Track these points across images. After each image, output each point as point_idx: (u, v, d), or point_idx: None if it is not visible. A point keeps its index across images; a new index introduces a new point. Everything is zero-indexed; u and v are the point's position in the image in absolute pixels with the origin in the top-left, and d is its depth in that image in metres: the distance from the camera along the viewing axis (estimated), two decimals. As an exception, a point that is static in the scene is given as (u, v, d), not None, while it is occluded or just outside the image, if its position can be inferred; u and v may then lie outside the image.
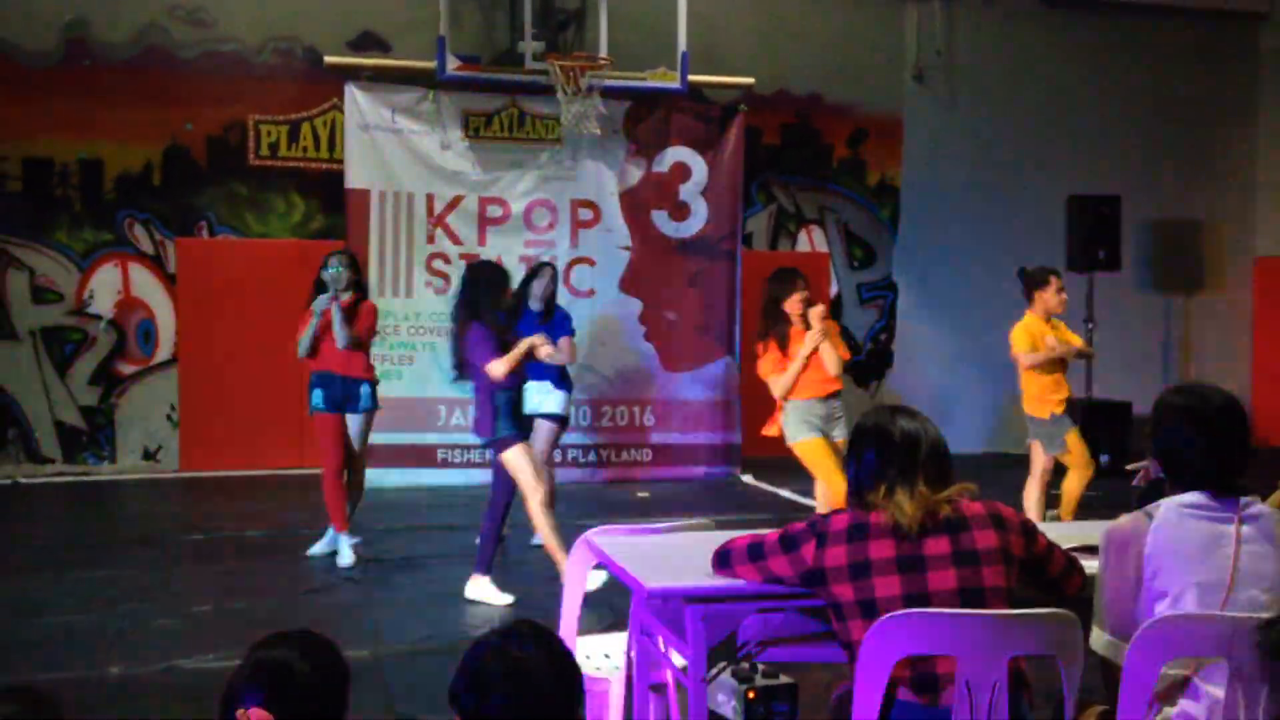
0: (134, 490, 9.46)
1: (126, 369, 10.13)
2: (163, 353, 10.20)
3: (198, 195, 10.19)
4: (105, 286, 10.06)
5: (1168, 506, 2.54)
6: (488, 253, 9.80)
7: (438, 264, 9.74)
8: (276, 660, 2.10)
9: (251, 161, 10.27)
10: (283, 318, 10.18)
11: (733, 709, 4.08)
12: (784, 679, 4.07)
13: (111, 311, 10.09)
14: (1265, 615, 2.42)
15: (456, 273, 9.72)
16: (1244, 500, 2.55)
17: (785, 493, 9.37)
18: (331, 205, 10.13)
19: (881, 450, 2.59)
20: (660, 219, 10.11)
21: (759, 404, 10.44)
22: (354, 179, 9.62)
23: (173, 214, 10.15)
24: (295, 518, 7.80)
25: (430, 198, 9.72)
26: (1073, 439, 6.95)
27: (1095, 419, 10.48)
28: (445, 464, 9.68)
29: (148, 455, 10.14)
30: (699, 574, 2.77)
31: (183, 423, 10.13)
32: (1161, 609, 2.47)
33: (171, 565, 6.67)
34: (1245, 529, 2.51)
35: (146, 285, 10.17)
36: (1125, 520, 2.60)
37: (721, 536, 3.05)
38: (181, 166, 10.15)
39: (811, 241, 11.64)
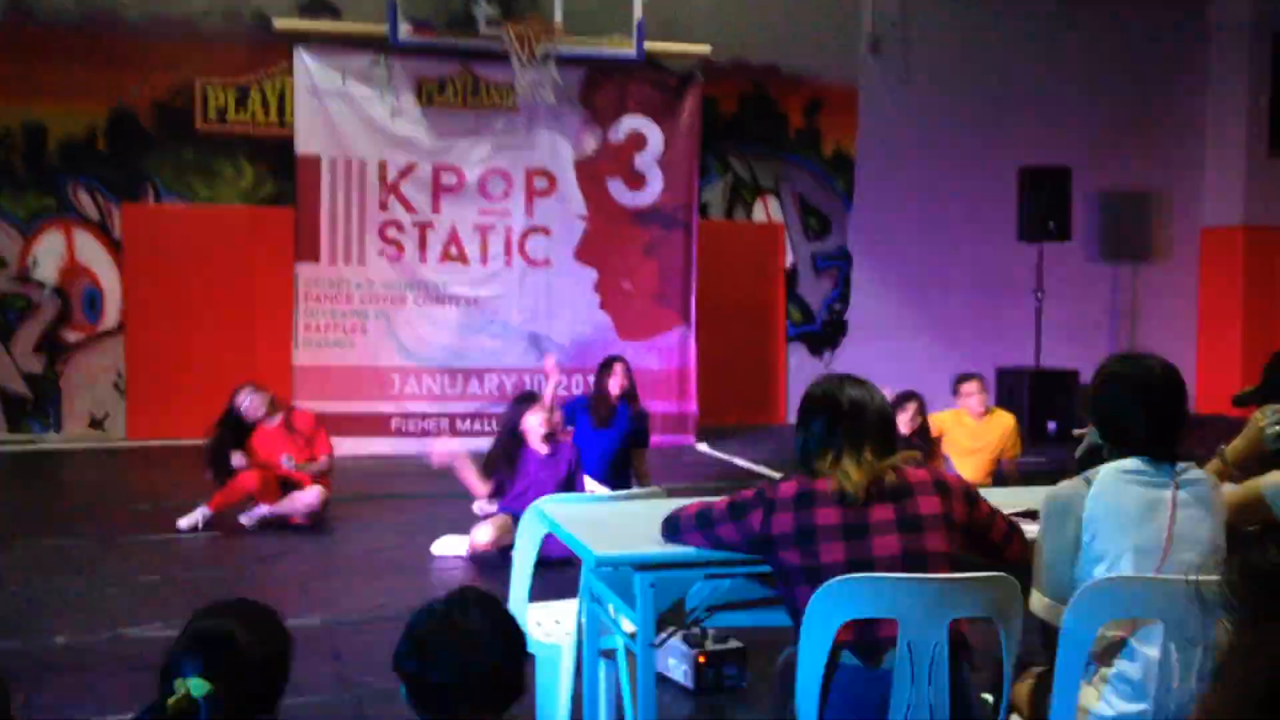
0: (80, 459, 9.34)
1: (72, 336, 9.98)
2: (109, 320, 10.05)
3: (144, 160, 10.01)
4: (49, 253, 9.88)
5: (1106, 472, 2.58)
6: (442, 220, 9.75)
7: (391, 232, 9.66)
8: (216, 629, 2.10)
9: (199, 126, 10.10)
10: (232, 285, 10.11)
11: (683, 673, 4.14)
12: (733, 643, 4.13)
13: (56, 278, 9.91)
14: (1200, 578, 2.47)
15: (410, 240, 9.68)
16: (1180, 466, 2.60)
17: (740, 461, 9.44)
18: (281, 171, 9.99)
19: (829, 418, 2.61)
20: (616, 188, 10.08)
21: (715, 372, 10.54)
22: (304, 145, 9.49)
23: (118, 179, 9.97)
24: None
25: (383, 164, 9.62)
26: None
27: (1042, 387, 10.64)
28: (399, 433, 9.64)
29: (94, 424, 10.01)
30: (648, 541, 2.78)
31: (130, 391, 10.00)
32: (1099, 572, 2.52)
33: (118, 535, 6.60)
34: (1181, 494, 2.56)
35: (92, 252, 10.00)
36: (1065, 486, 2.64)
37: (672, 504, 3.07)
38: (127, 131, 9.96)
39: (767, 211, 11.66)
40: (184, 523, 6.64)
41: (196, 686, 2.00)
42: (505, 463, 6.13)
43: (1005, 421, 7.20)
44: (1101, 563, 2.52)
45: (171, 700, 1.99)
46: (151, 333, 9.95)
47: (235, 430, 6.82)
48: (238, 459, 6.73)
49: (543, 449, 6.10)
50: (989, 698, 2.63)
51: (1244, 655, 0.63)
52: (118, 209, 9.98)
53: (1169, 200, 12.72)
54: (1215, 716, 0.64)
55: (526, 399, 6.40)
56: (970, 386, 7.15)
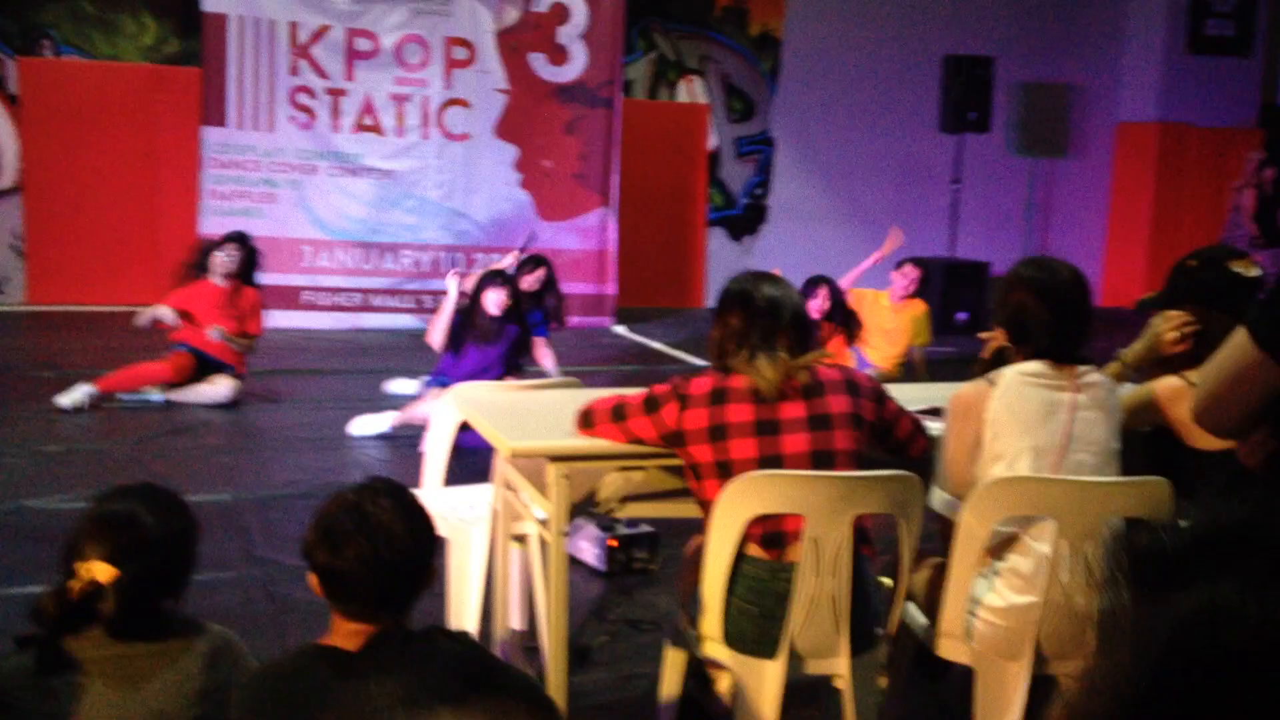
0: (-22, 324, 9.05)
1: (-35, 195, 9.57)
2: (4, 179, 9.64)
3: (39, 11, 9.50)
4: (-62, 107, 9.40)
5: (1009, 374, 2.65)
6: (355, 88, 9.43)
7: (301, 98, 9.33)
8: (120, 512, 2.07)
9: (99, -24, 9.60)
10: (135, 147, 9.73)
11: (594, 556, 4.21)
12: (644, 528, 4.21)
13: (-54, 133, 9.46)
14: (1092, 478, 2.57)
15: (323, 107, 9.37)
16: (1081, 369, 2.67)
17: (658, 345, 9.49)
18: (187, 28, 9.56)
19: (745, 315, 2.63)
20: (538, 62, 9.84)
21: (635, 255, 10.51)
22: (210, 1, 9.06)
23: (12, 30, 9.46)
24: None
25: (293, 26, 9.24)
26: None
27: (955, 278, 10.82)
28: (310, 306, 9.48)
29: (-8, 287, 9.68)
30: (562, 433, 2.79)
31: (30, 254, 9.67)
32: (998, 471, 2.60)
33: (18, 402, 6.43)
34: (1080, 397, 2.64)
35: (-14, 107, 9.53)
36: (969, 387, 2.71)
37: (586, 394, 3.08)
38: (21, -22, 9.42)
39: (691, 92, 11.51)
40: (64, 400, 6.20)
41: (100, 570, 1.98)
42: (458, 331, 6.06)
43: (917, 309, 7.34)
44: (1000, 461, 2.61)
45: (75, 585, 1.97)
46: (52, 194, 9.57)
47: (197, 272, 6.68)
48: (168, 315, 6.50)
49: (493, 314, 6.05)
50: (888, 581, 2.73)
51: (1121, 639, 0.64)
52: (13, 62, 9.48)
53: (1087, 93, 12.82)
54: (1088, 705, 0.66)
55: (494, 275, 6.31)
56: (911, 270, 7.25)
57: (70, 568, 2.00)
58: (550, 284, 6.84)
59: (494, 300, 6.03)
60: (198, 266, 6.72)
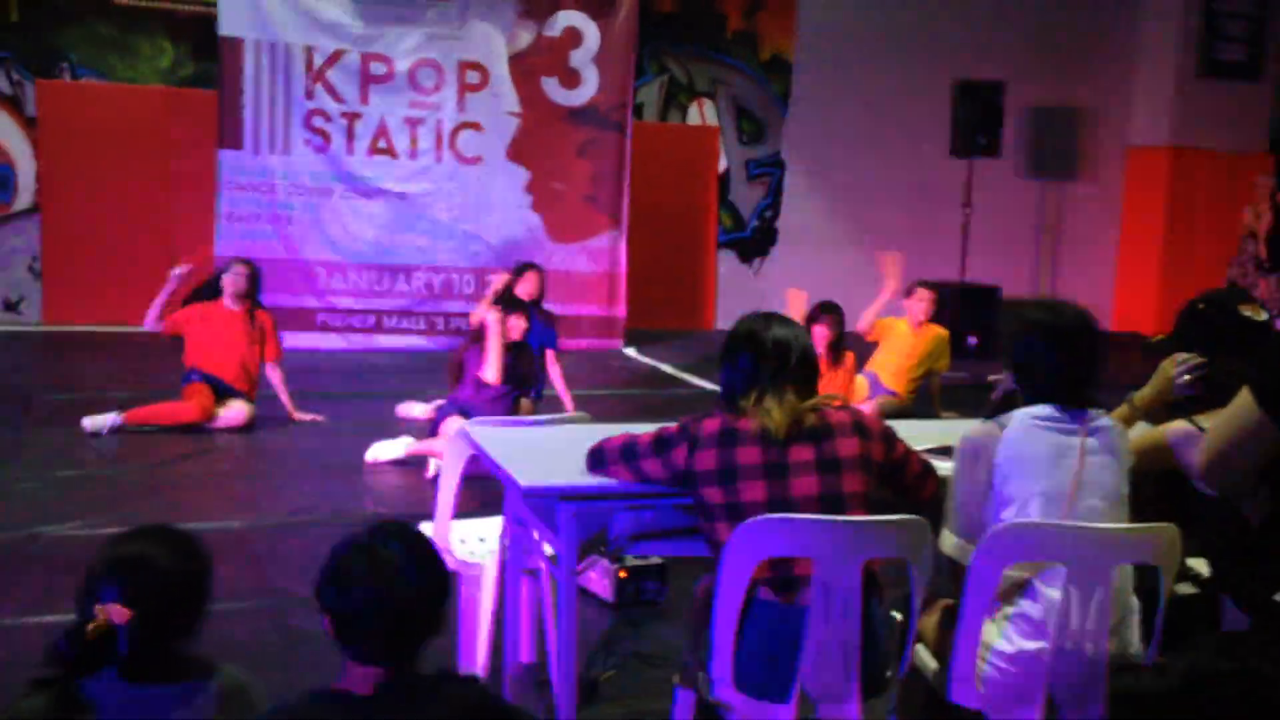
0: (-7, 344, 9.11)
1: (-17, 216, 9.66)
2: (23, 200, 9.73)
3: (58, 34, 9.60)
4: (-42, 129, 9.50)
5: (1019, 418, 2.66)
6: (370, 112, 9.50)
7: (317, 121, 9.40)
8: (134, 554, 2.09)
9: (117, 0, 9.68)
10: (152, 170, 9.80)
11: (604, 587, 4.22)
12: (654, 559, 4.22)
13: (-34, 155, 9.56)
14: (1103, 524, 2.58)
15: (337, 131, 9.44)
16: (1091, 413, 2.68)
17: (667, 367, 9.51)
18: (203, 52, 9.65)
19: (754, 357, 2.64)
20: (550, 86, 9.90)
21: (645, 277, 10.53)
22: (227, 25, 9.14)
23: (32, 53, 9.56)
24: (166, 378, 7.60)
25: (309, 50, 9.32)
26: None
27: (965, 302, 10.81)
28: (324, 328, 9.53)
29: (9, 307, 9.76)
30: (572, 470, 2.81)
31: (46, 274, 9.74)
32: (1008, 515, 2.61)
33: (34, 425, 6.47)
34: (1090, 441, 2.65)
35: (4, 128, 9.64)
36: (979, 429, 2.72)
37: (597, 430, 3.10)
38: (41, 2, 9.52)
39: (702, 114, 11.56)
40: (89, 424, 6.29)
41: (116, 613, 2.00)
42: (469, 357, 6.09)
43: (937, 333, 7.36)
44: (1010, 506, 2.61)
45: (91, 626, 1.99)
46: (69, 215, 9.66)
47: (209, 295, 6.76)
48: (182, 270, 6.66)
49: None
50: (897, 615, 2.73)
51: None
52: (31, 85, 9.58)
53: (1097, 118, 12.83)
54: None
55: (509, 301, 6.33)
56: (924, 293, 7.28)
57: (86, 609, 2.02)
58: (543, 290, 6.93)
59: (513, 326, 6.07)
60: (208, 291, 6.76)
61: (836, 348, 6.55)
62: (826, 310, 6.59)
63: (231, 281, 6.70)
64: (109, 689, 2.00)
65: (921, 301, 7.26)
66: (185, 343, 6.68)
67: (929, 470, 2.81)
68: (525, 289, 6.87)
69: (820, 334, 6.29)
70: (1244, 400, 1.77)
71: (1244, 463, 1.80)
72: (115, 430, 6.33)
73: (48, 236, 9.69)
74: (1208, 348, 2.76)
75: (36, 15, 9.51)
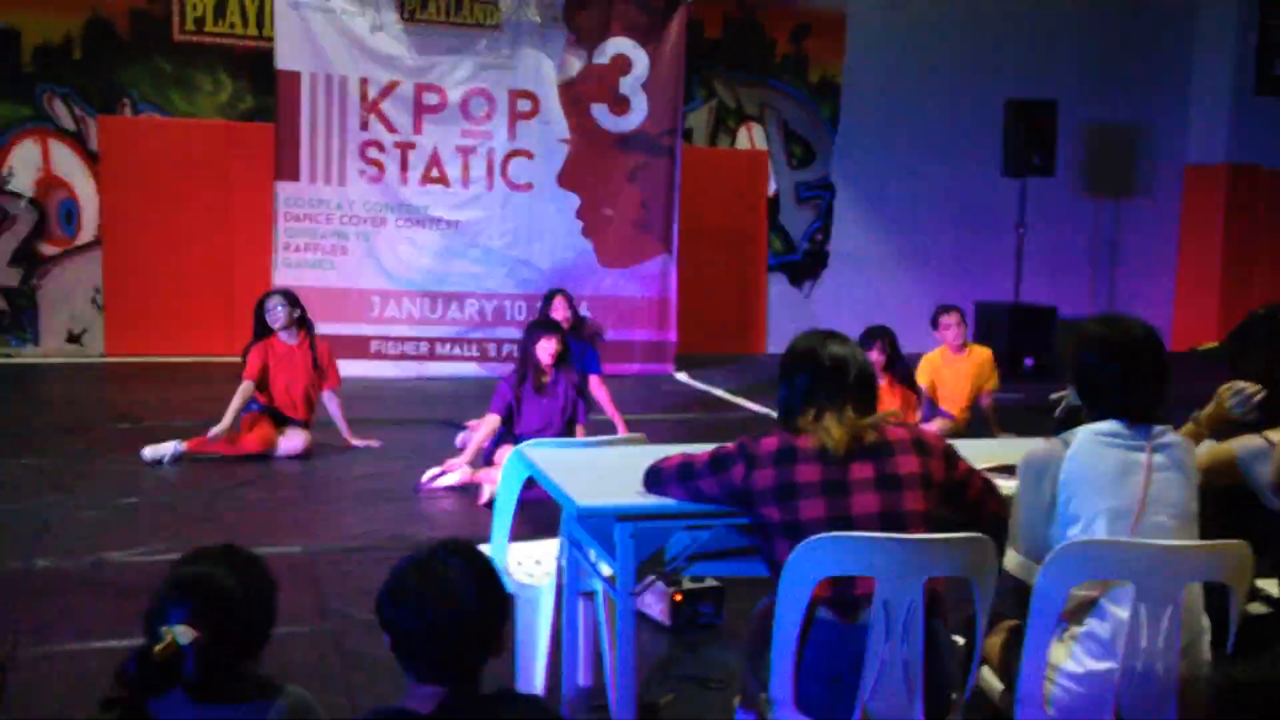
0: (58, 374, 9.30)
1: (48, 250, 9.88)
2: (86, 233, 9.95)
3: (120, 71, 9.83)
4: (25, 163, 9.74)
5: (1084, 434, 2.62)
6: (423, 141, 9.62)
7: (372, 152, 9.54)
8: (200, 575, 2.11)
9: (176, 37, 9.92)
10: (210, 202, 9.99)
11: (659, 610, 4.20)
12: (710, 582, 4.20)
13: (32, 190, 9.78)
14: (1171, 541, 2.53)
15: (391, 161, 9.57)
16: (1157, 429, 2.63)
17: (718, 391, 9.49)
18: (261, 86, 9.83)
19: (811, 375, 2.63)
20: (600, 112, 9.96)
21: (695, 301, 10.53)
22: (284, 60, 9.31)
23: (94, 89, 9.80)
24: (224, 406, 7.72)
25: (364, 82, 9.47)
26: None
27: (1020, 323, 10.70)
28: (379, 355, 9.63)
29: (72, 339, 9.96)
30: (629, 491, 2.80)
31: (108, 306, 9.94)
32: (1073, 534, 2.56)
33: (97, 455, 6.58)
34: (1156, 457, 2.60)
35: (68, 163, 9.86)
36: (1042, 447, 2.67)
37: (652, 451, 3.09)
38: (103, 40, 9.77)
39: (751, 139, 11.57)
40: (150, 453, 6.37)
41: (183, 634, 2.02)
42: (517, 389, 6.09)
43: (982, 355, 7.27)
44: (1076, 524, 2.57)
45: (158, 648, 2.01)
46: (130, 248, 9.86)
47: (263, 332, 6.83)
48: (252, 394, 6.67)
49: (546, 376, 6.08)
50: (959, 639, 2.69)
51: None
52: (93, 120, 9.81)
53: (1153, 135, 12.69)
54: None
55: (542, 324, 6.32)
56: (949, 319, 7.20)
57: (153, 630, 2.04)
58: (577, 313, 6.93)
59: (545, 349, 6.04)
60: (261, 329, 6.83)
61: (892, 369, 6.51)
62: (876, 335, 6.55)
63: (274, 318, 6.78)
64: (177, 709, 2.02)
65: (949, 327, 7.18)
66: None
67: (991, 489, 2.77)
68: (556, 316, 6.91)
69: (874, 360, 6.25)
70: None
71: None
72: (176, 459, 6.43)
73: (109, 269, 9.90)
74: (1272, 349, 2.72)
75: (99, 52, 9.76)
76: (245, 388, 6.69)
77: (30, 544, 4.93)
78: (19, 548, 4.88)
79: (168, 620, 2.04)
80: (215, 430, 6.53)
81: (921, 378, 7.14)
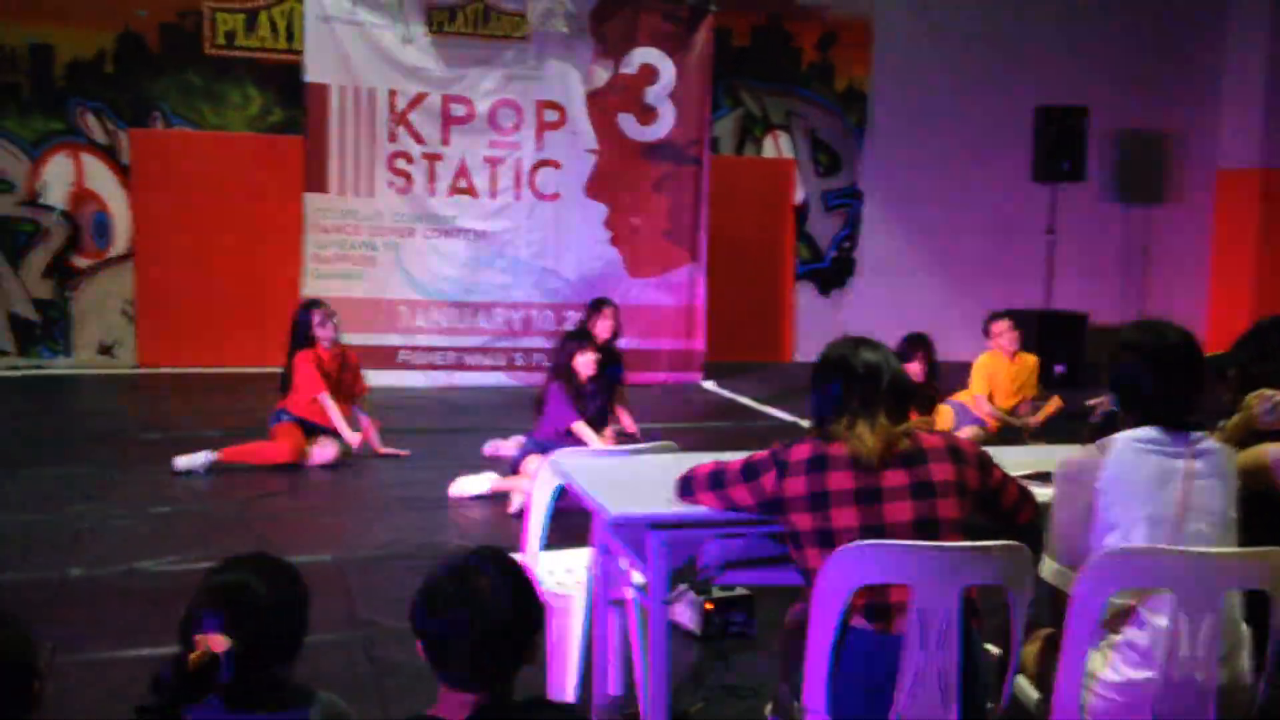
0: (90, 385, 9.38)
1: (81, 262, 9.98)
2: (118, 246, 10.04)
3: (151, 85, 9.93)
4: (57, 177, 9.85)
5: (1122, 441, 2.59)
6: (451, 152, 9.66)
7: (400, 163, 9.59)
8: (233, 583, 2.11)
9: (207, 51, 10.01)
10: (241, 214, 10.07)
11: (690, 619, 4.19)
12: (740, 590, 4.17)
13: (65, 203, 9.88)
14: (1210, 548, 2.49)
15: (419, 172, 9.61)
16: (1195, 435, 2.60)
17: (745, 399, 9.46)
18: (290, 99, 9.90)
19: (844, 382, 2.61)
20: (627, 122, 9.98)
21: (723, 310, 10.52)
22: (313, 73, 9.38)
23: (126, 103, 9.90)
24: (255, 417, 7.76)
25: (392, 94, 9.52)
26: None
27: (1051, 330, 10.61)
28: (406, 365, 9.66)
29: (104, 350, 10.05)
30: (661, 499, 2.79)
31: (140, 318, 10.03)
32: (1111, 541, 2.53)
33: (130, 464, 6.63)
34: (1195, 464, 2.57)
35: (100, 176, 9.96)
36: (1079, 453, 2.65)
37: (684, 459, 3.08)
38: (134, 54, 9.87)
39: (778, 147, 11.55)
40: (181, 463, 6.39)
41: (216, 640, 2.03)
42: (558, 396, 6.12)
43: (1032, 362, 7.28)
44: (1114, 532, 2.53)
45: (193, 656, 2.01)
46: (161, 260, 9.95)
47: (304, 341, 6.84)
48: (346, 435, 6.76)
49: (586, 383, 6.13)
50: (995, 649, 2.66)
51: None
52: (125, 134, 9.91)
53: (1184, 141, 12.57)
54: None
55: (580, 337, 6.37)
56: (1001, 325, 7.21)
57: (187, 638, 2.05)
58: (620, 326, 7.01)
59: (585, 365, 6.11)
60: (303, 340, 6.85)
61: (929, 382, 6.49)
62: (916, 345, 6.49)
63: (328, 330, 6.80)
64: (212, 717, 2.02)
65: (1003, 335, 7.17)
66: (291, 387, 6.79)
67: (1027, 496, 2.74)
68: (605, 326, 6.92)
69: (914, 371, 6.20)
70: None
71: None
72: (208, 469, 6.46)
73: (141, 281, 9.99)
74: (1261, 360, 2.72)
75: (130, 67, 9.86)
76: (326, 399, 6.75)
77: (63, 553, 4.97)
78: (53, 557, 4.92)
79: (202, 628, 2.04)
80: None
81: (978, 383, 7.12)
